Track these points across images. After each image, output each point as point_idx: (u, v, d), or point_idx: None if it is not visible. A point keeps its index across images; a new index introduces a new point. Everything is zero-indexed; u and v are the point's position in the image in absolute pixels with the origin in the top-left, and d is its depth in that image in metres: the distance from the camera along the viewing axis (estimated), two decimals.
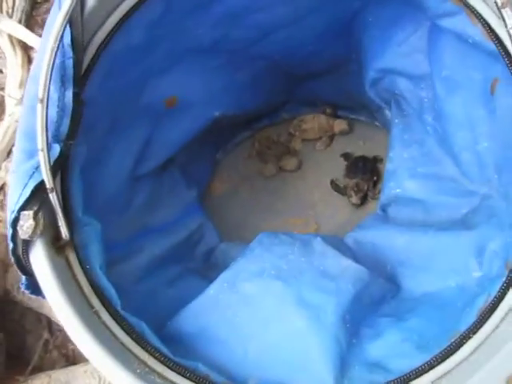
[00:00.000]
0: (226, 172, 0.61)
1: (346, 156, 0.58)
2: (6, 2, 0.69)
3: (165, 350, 0.31)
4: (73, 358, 0.57)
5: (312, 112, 0.61)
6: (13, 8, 0.69)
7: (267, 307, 0.35)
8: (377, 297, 0.37)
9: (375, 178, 0.54)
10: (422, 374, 0.28)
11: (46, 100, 0.28)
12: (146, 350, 0.31)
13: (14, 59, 0.67)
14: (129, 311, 0.33)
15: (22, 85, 0.66)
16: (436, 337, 0.30)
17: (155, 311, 0.38)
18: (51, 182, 0.29)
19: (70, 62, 0.30)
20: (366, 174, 0.54)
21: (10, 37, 0.67)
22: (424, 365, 0.28)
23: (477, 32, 0.31)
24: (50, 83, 0.28)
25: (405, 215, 0.42)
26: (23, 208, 0.28)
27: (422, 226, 0.39)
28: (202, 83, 0.47)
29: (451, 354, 0.28)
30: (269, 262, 0.37)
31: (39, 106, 0.28)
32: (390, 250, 0.40)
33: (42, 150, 0.28)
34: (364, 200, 0.54)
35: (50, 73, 0.28)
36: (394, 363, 0.30)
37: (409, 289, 0.38)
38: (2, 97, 0.71)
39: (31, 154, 0.30)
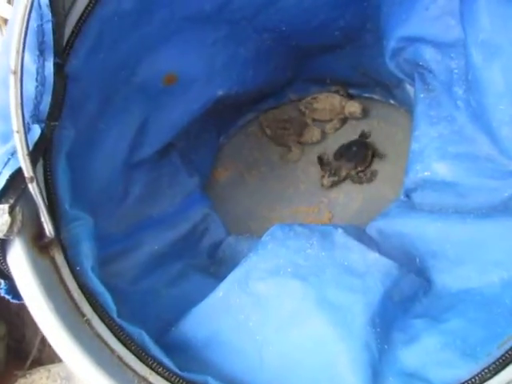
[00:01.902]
0: (230, 158, 0.57)
1: (319, 158, 0.54)
2: None
3: (169, 363, 0.27)
4: None
5: (323, 91, 0.56)
6: None
7: (285, 309, 0.30)
8: (407, 295, 0.33)
9: (359, 168, 0.52)
10: None
11: (19, 71, 0.23)
12: (147, 365, 0.27)
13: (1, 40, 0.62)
14: (126, 318, 0.28)
15: None
16: (484, 342, 0.26)
17: (156, 315, 0.34)
18: (30, 169, 0.24)
19: (48, 27, 0.25)
20: (350, 161, 0.52)
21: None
22: (474, 377, 0.24)
23: None
24: (23, 50, 0.23)
25: (434, 201, 0.38)
26: None
27: (457, 213, 0.34)
28: (202, 58, 0.42)
29: (507, 365, 0.24)
30: (284, 258, 0.33)
31: (12, 77, 0.23)
32: (420, 241, 0.35)
33: (18, 132, 0.23)
34: (336, 184, 0.52)
35: (23, 36, 0.22)
36: (434, 373, 0.26)
37: (443, 284, 0.33)
38: None
39: (5, 137, 0.25)
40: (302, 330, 0.30)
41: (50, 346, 0.59)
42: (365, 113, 0.54)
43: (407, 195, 0.41)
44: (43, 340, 0.55)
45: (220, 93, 0.45)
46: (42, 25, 0.25)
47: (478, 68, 0.34)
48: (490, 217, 0.32)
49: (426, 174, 0.38)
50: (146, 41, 0.37)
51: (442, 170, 0.37)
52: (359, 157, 0.52)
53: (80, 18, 0.28)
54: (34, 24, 0.25)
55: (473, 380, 0.24)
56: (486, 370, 0.24)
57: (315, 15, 0.43)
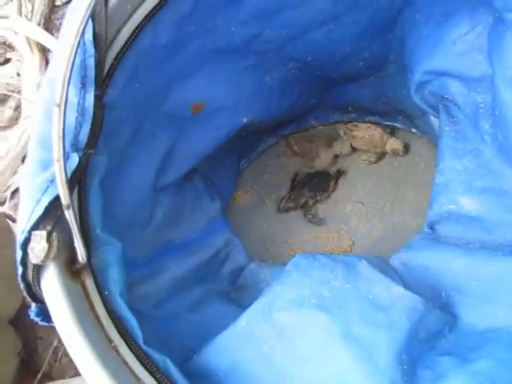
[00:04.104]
0: (250, 182, 0.57)
1: (293, 179, 0.56)
2: (26, 6, 0.68)
3: None
4: None
5: (359, 120, 0.56)
6: (32, 11, 0.68)
7: (309, 343, 0.30)
8: (433, 331, 0.32)
9: (318, 198, 0.54)
10: None
11: (63, 104, 0.24)
12: None
13: (32, 62, 0.64)
14: (151, 344, 0.28)
15: (39, 88, 0.64)
16: None
17: (178, 340, 0.34)
18: (68, 197, 0.25)
19: (91, 61, 0.26)
20: (312, 190, 0.54)
21: (28, 39, 0.65)
22: None
23: None
24: (68, 85, 0.24)
25: (459, 234, 0.37)
26: (35, 228, 0.25)
27: (484, 249, 0.34)
28: (229, 87, 0.43)
29: None
30: (309, 288, 0.32)
31: (56, 110, 0.24)
32: (446, 276, 0.35)
33: (58, 161, 0.24)
34: (289, 211, 0.54)
35: (69, 73, 0.24)
36: None
37: (470, 322, 0.33)
38: (19, 100, 0.69)
39: (45, 165, 0.26)
40: (327, 364, 0.29)
41: (60, 362, 0.59)
42: (406, 150, 0.54)
43: (431, 227, 0.41)
44: (54, 355, 0.55)
45: (245, 120, 0.46)
46: (84, 60, 0.26)
47: (506, 104, 0.34)
48: None
49: (451, 207, 0.38)
50: (177, 71, 0.38)
51: (467, 203, 0.37)
52: (320, 187, 0.54)
53: (120, 51, 0.29)
54: (77, 59, 0.26)
55: None
56: None
57: (341, 47, 0.44)
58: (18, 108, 0.70)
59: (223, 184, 0.52)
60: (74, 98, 0.26)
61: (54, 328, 0.57)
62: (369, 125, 0.55)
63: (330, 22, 0.41)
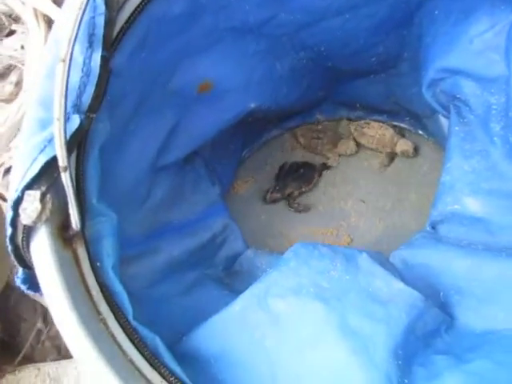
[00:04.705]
0: (251, 172, 0.56)
1: (280, 168, 0.56)
2: None
3: (181, 373, 0.26)
4: (65, 351, 0.54)
5: (367, 118, 0.56)
6: None
7: (304, 331, 0.29)
8: (430, 329, 0.31)
9: (303, 189, 0.54)
10: None
11: (68, 60, 0.23)
12: (159, 372, 0.26)
13: (38, 34, 0.63)
14: (140, 322, 0.27)
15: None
16: None
17: (169, 323, 0.33)
18: (65, 159, 0.24)
19: (100, 20, 0.25)
20: (296, 181, 0.54)
21: (36, 11, 0.64)
22: None
23: None
24: (75, 41, 0.23)
25: (461, 235, 0.37)
26: (29, 187, 0.23)
27: (487, 250, 0.33)
28: (239, 69, 0.42)
29: None
30: (307, 277, 0.32)
31: (60, 65, 0.23)
32: (446, 275, 0.34)
33: (59, 119, 0.23)
34: (276, 201, 0.54)
35: (77, 28, 0.23)
36: None
37: (467, 323, 0.32)
38: (20, 75, 0.67)
39: (44, 124, 0.25)
40: (321, 354, 0.28)
41: (43, 345, 0.58)
42: (416, 152, 0.53)
43: (433, 227, 0.40)
44: (37, 337, 0.54)
45: (252, 105, 0.45)
46: (94, 17, 0.25)
47: None
48: None
49: (455, 207, 0.37)
50: (188, 46, 0.37)
51: (473, 205, 0.36)
52: (305, 178, 0.54)
53: (131, 15, 0.28)
54: (86, 16, 0.25)
55: None
56: None
57: (355, 39, 0.43)
58: (18, 83, 0.69)
59: (224, 171, 0.51)
60: (79, 57, 0.25)
61: (36, 309, 0.56)
62: (381, 124, 0.54)
63: (346, 12, 0.40)
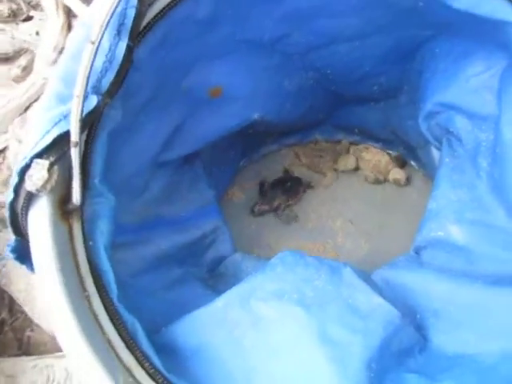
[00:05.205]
0: (247, 181, 0.58)
1: (261, 184, 0.57)
2: None
3: (158, 361, 0.26)
4: (26, 347, 0.52)
5: (348, 139, 0.58)
6: None
7: (283, 335, 0.30)
8: (405, 347, 0.32)
9: (290, 202, 0.55)
10: None
11: (97, 42, 0.24)
12: (135, 357, 0.26)
13: (55, 22, 0.65)
14: (124, 305, 0.28)
15: (55, 49, 0.63)
16: None
17: (150, 314, 0.33)
18: (78, 135, 0.25)
19: (131, 12, 0.27)
20: (284, 194, 0.55)
21: (57, 0, 0.66)
22: None
23: None
24: (107, 26, 0.24)
25: (442, 262, 0.38)
26: (39, 156, 0.24)
27: (465, 276, 0.35)
28: (249, 81, 0.44)
29: None
30: (291, 284, 0.32)
31: (89, 46, 0.24)
32: (424, 298, 0.35)
33: (78, 96, 0.24)
34: (263, 214, 0.55)
35: (111, 14, 0.24)
36: None
37: (440, 345, 0.33)
38: (29, 60, 0.68)
39: (63, 99, 0.26)
40: (297, 359, 0.29)
41: (5, 335, 0.55)
42: (408, 182, 0.55)
43: (416, 252, 0.41)
44: (0, 327, 0.52)
45: (256, 116, 0.47)
46: (126, 8, 0.27)
47: (507, 145, 0.36)
48: (499, 285, 0.32)
49: (439, 233, 0.39)
50: (204, 51, 0.38)
51: (456, 232, 0.38)
52: (292, 191, 0.55)
53: (159, 12, 0.29)
54: (119, 7, 0.26)
55: None
56: None
57: (361, 66, 0.45)
58: (27, 68, 0.69)
59: (220, 176, 0.52)
60: (106, 43, 0.27)
61: (4, 299, 0.53)
62: (378, 150, 0.56)
63: (355, 39, 0.42)
